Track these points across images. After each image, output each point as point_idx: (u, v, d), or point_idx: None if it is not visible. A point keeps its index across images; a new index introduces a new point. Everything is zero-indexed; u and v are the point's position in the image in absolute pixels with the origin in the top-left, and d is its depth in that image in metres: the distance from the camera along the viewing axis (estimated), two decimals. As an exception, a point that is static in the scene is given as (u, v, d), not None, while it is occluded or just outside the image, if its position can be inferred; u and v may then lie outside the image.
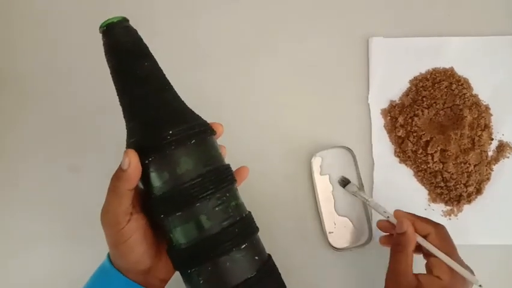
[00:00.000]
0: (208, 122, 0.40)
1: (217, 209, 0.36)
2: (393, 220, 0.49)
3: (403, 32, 0.62)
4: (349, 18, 0.63)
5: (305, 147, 0.60)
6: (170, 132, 0.35)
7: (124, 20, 0.39)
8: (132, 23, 0.39)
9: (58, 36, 0.64)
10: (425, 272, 0.47)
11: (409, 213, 0.49)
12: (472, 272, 0.46)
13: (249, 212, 0.40)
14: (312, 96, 0.62)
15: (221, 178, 0.37)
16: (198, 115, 0.40)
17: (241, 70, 0.63)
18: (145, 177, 0.37)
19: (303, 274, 0.57)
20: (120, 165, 0.36)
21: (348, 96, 0.62)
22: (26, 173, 0.61)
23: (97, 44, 0.62)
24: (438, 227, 0.48)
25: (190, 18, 0.64)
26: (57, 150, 0.61)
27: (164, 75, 0.39)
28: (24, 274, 0.59)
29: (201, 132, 0.37)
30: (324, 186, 0.58)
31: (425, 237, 0.47)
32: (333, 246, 0.57)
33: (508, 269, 0.58)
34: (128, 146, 0.37)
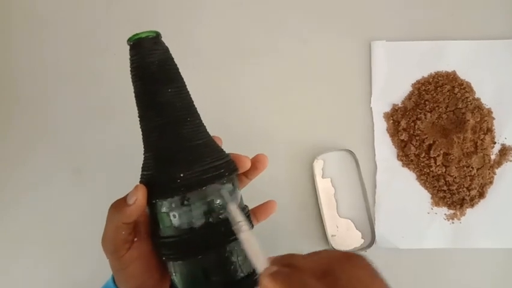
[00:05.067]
0: (234, 152, 0.37)
1: (220, 263, 0.34)
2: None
3: (405, 35, 0.62)
4: (351, 22, 0.63)
5: (307, 150, 0.60)
6: (182, 175, 0.33)
7: (155, 36, 0.35)
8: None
9: (59, 38, 0.64)
10: None
11: (286, 277, 0.28)
12: None
13: None
14: (314, 99, 0.62)
15: (231, 230, 0.34)
16: (220, 151, 0.36)
17: (243, 73, 0.63)
18: (152, 214, 0.35)
19: (306, 278, 0.57)
20: (126, 197, 0.34)
21: (350, 100, 0.62)
22: (26, 175, 0.61)
23: (97, 46, 0.63)
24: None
25: (192, 20, 0.64)
26: (59, 152, 0.61)
27: (188, 103, 0.36)
28: (24, 275, 0.59)
29: (215, 177, 0.34)
30: (326, 189, 0.58)
31: None
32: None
33: (511, 273, 0.58)
34: (141, 177, 0.36)
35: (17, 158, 0.61)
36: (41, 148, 0.61)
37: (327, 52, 0.63)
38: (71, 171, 0.61)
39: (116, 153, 0.60)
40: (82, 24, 0.64)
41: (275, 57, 0.63)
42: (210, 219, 0.34)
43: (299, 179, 0.60)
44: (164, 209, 0.34)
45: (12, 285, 0.59)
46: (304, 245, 0.58)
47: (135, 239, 0.36)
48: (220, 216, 0.34)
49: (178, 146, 0.34)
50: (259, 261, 0.31)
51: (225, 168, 0.35)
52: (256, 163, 0.39)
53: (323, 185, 0.59)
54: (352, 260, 0.29)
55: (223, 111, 0.60)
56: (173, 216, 0.33)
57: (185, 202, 0.33)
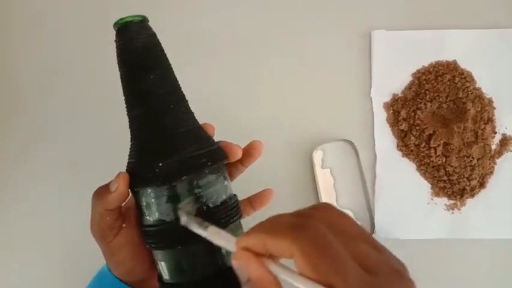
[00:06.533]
0: (227, 141, 0.36)
1: (201, 254, 0.33)
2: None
3: (406, 25, 0.62)
4: (351, 12, 0.63)
5: (307, 140, 0.59)
6: (160, 164, 0.32)
7: (141, 21, 0.34)
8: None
9: (56, 34, 0.64)
10: None
11: (258, 226, 0.26)
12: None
13: None
14: (313, 89, 0.61)
15: (214, 220, 0.32)
16: (205, 140, 0.35)
17: (243, 63, 0.62)
18: (136, 202, 0.35)
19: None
20: (109, 184, 0.34)
21: (350, 90, 0.61)
22: (26, 175, 0.61)
23: (95, 42, 0.63)
24: (302, 234, 0.23)
25: (193, 16, 0.63)
26: (59, 153, 0.61)
27: (173, 90, 0.35)
28: (24, 273, 0.59)
29: (195, 167, 0.32)
30: (326, 180, 0.58)
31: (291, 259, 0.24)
32: (335, 240, 0.57)
33: (511, 263, 0.58)
34: (127, 165, 0.35)
35: (17, 158, 0.61)
36: (41, 148, 0.61)
37: (326, 42, 0.62)
38: (71, 171, 0.60)
39: (117, 153, 0.60)
40: (82, 23, 0.64)
41: (274, 48, 0.62)
42: (191, 208, 0.32)
43: (298, 170, 0.59)
44: (144, 198, 0.33)
45: (12, 284, 0.59)
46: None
47: (123, 225, 0.36)
48: (204, 205, 0.33)
49: (159, 134, 0.33)
50: (232, 240, 0.28)
51: (207, 157, 0.33)
52: (251, 150, 0.38)
53: (323, 176, 0.58)
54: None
55: (222, 101, 0.60)
56: (153, 205, 0.33)
57: (165, 192, 0.32)
